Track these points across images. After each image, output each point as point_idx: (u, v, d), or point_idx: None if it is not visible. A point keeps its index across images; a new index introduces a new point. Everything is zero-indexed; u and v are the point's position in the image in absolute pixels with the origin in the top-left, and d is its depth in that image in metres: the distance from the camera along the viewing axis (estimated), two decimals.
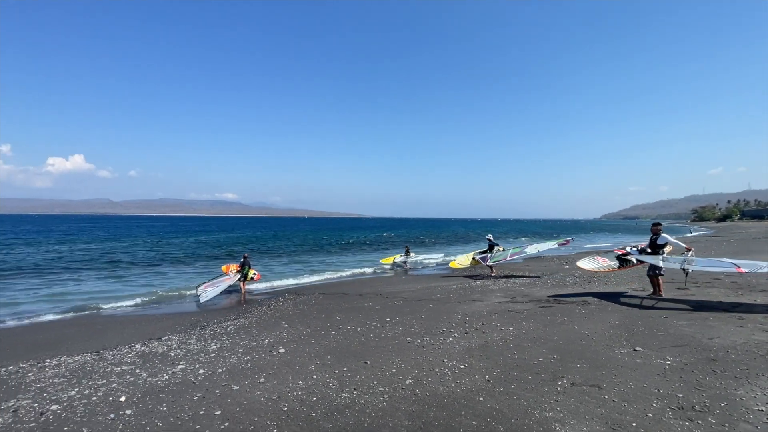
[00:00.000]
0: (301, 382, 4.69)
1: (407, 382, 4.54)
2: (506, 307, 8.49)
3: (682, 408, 3.58)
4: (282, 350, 6.05)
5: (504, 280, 13.07)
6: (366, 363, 5.28)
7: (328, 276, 17.45)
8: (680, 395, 3.83)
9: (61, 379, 5.16)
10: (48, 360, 6.17)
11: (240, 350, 6.17)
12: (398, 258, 21.33)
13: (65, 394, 4.60)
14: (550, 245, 15.30)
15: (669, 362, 4.73)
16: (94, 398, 4.45)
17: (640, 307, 7.78)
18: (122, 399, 4.38)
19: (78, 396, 4.54)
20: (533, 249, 15.04)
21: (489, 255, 14.95)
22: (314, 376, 4.86)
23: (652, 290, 8.77)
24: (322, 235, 56.91)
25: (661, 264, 8.37)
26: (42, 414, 4.10)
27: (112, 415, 3.98)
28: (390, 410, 3.86)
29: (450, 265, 16.39)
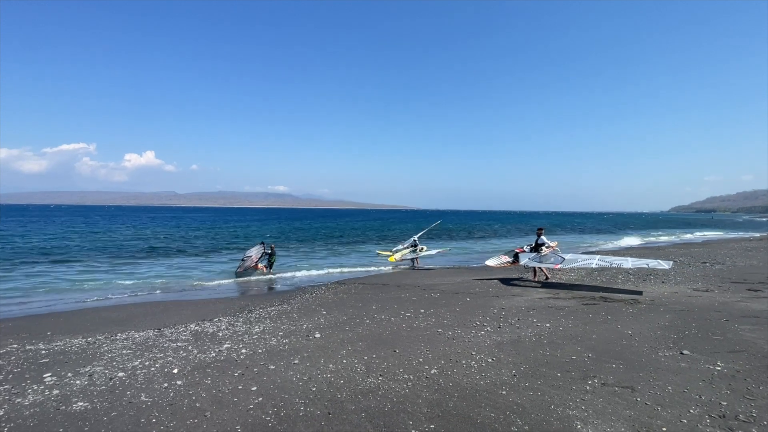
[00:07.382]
0: (331, 365, 4.96)
1: (432, 371, 4.63)
2: (546, 303, 8.22)
3: (724, 417, 3.33)
4: (318, 335, 6.38)
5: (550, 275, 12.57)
6: (395, 351, 5.43)
7: (371, 267, 17.85)
8: (724, 403, 3.56)
9: (128, 351, 5.88)
10: (119, 334, 7.03)
11: (280, 333, 6.60)
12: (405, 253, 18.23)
13: (130, 364, 5.25)
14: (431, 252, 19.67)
15: (719, 368, 4.37)
16: (153, 369, 5.03)
17: (698, 308, 7.17)
18: (175, 371, 4.92)
19: (140, 366, 5.16)
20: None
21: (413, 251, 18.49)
22: (344, 361, 5.10)
23: (544, 277, 11.71)
24: (369, 226, 57.80)
25: (528, 259, 11.51)
26: (111, 379, 4.73)
27: (165, 384, 4.50)
28: (411, 397, 3.99)
29: (389, 259, 18.20)
